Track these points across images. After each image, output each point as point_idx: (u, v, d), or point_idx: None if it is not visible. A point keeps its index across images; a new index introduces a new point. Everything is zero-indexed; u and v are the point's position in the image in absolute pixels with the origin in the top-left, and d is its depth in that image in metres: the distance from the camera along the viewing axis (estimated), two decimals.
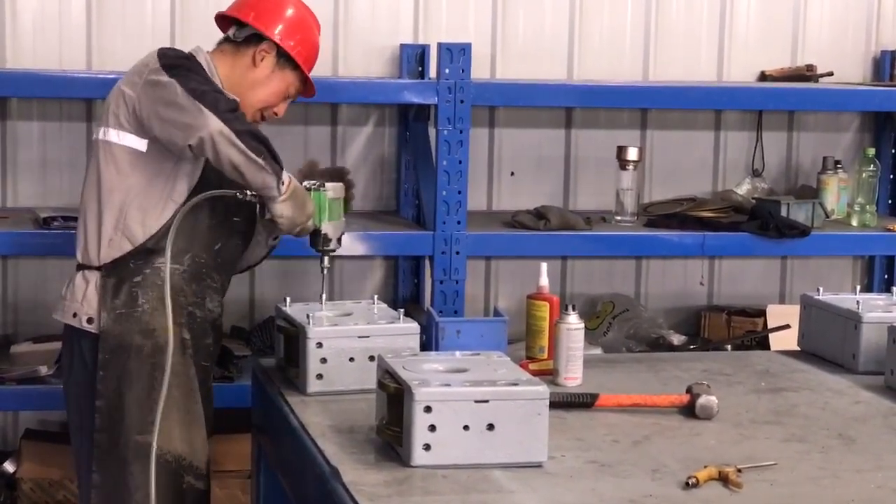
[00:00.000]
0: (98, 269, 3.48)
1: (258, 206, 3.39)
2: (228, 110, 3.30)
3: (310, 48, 3.68)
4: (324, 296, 3.50)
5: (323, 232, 3.51)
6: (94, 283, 3.48)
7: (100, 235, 3.47)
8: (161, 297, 3.40)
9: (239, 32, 3.63)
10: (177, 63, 3.41)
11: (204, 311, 3.55)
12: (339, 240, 3.56)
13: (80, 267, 3.53)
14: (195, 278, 3.52)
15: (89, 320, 3.48)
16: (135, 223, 3.45)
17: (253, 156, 3.28)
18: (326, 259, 3.56)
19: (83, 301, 3.49)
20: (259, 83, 3.61)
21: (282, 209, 3.37)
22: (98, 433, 3.46)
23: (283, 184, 3.34)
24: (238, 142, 3.27)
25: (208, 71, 3.54)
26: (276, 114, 3.70)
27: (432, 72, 4.68)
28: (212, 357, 3.64)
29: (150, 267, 3.46)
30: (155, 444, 3.31)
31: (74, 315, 3.50)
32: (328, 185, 3.52)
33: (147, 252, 3.45)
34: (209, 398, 3.62)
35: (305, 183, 3.50)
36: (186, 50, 3.60)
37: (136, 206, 3.45)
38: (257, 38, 3.60)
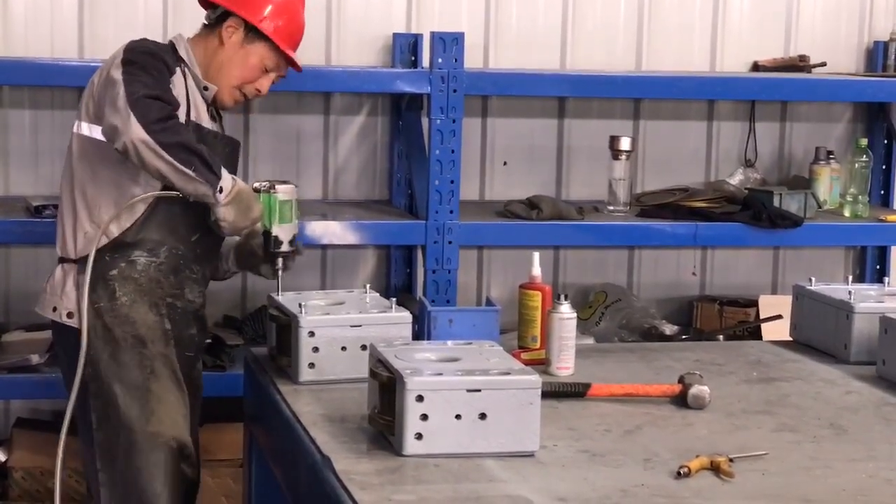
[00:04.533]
0: (76, 262, 3.47)
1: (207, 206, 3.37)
2: (158, 120, 3.24)
3: (283, 19, 3.60)
4: (280, 297, 3.43)
5: (273, 234, 3.47)
6: (73, 278, 3.46)
7: (75, 229, 3.46)
8: (138, 290, 3.41)
9: (212, 14, 3.61)
10: (135, 59, 3.37)
11: (184, 302, 3.53)
12: (291, 242, 3.50)
13: (61, 260, 3.52)
14: (173, 270, 3.50)
15: (69, 315, 3.46)
16: (108, 217, 3.42)
17: (181, 167, 3.24)
18: (280, 261, 3.51)
19: (62, 295, 3.47)
20: (229, 61, 3.57)
21: (224, 213, 3.35)
22: (96, 431, 3.44)
23: (220, 191, 3.30)
24: (164, 153, 3.22)
25: (187, 60, 3.53)
26: (258, 90, 3.64)
27: (425, 61, 4.67)
28: (197, 347, 3.63)
29: (126, 260, 3.44)
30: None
31: (54, 309, 3.49)
32: (279, 186, 3.46)
33: (122, 245, 3.44)
34: (196, 388, 3.61)
35: (255, 184, 3.45)
36: (170, 37, 3.59)
37: (108, 200, 3.43)
38: (228, 15, 3.56)
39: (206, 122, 3.58)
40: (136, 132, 3.21)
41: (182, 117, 3.43)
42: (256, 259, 3.61)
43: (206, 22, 3.65)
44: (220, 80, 3.57)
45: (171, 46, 3.57)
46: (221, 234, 3.45)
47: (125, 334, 3.42)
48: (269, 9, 3.58)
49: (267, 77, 3.64)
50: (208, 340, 4.45)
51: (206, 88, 3.56)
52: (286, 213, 3.47)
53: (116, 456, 3.43)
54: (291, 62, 3.66)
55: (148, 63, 3.38)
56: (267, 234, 3.47)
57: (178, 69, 3.50)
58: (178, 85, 3.48)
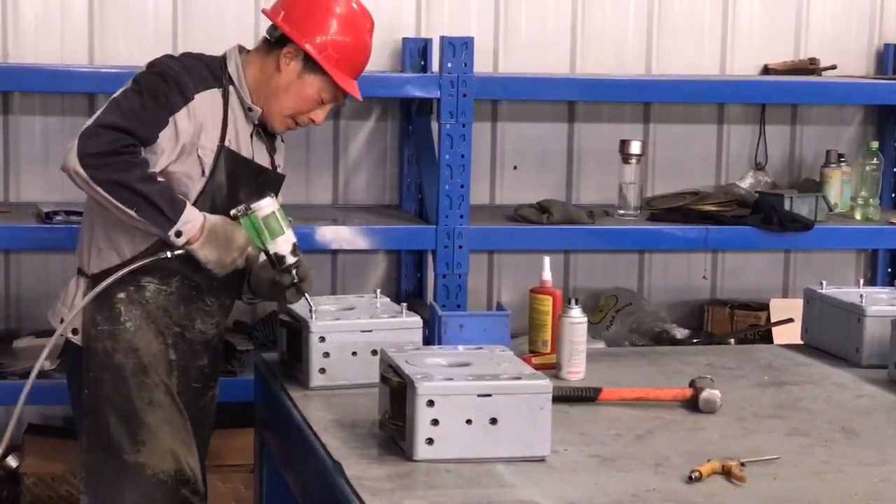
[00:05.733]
0: (88, 277, 3.37)
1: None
2: (98, 154, 3.12)
3: (346, 51, 3.36)
4: (313, 309, 3.28)
5: (272, 252, 3.27)
6: (83, 292, 3.35)
7: (90, 243, 3.37)
8: (145, 316, 3.33)
9: (274, 31, 3.40)
10: (142, 79, 3.26)
11: (194, 333, 3.42)
12: (293, 252, 3.28)
13: (78, 271, 3.43)
14: (184, 300, 3.39)
15: (74, 331, 3.37)
16: (123, 237, 3.31)
17: (122, 206, 3.14)
18: (294, 273, 3.30)
19: (71, 309, 3.35)
20: (284, 89, 3.36)
21: (203, 254, 3.24)
22: (84, 453, 3.36)
23: (179, 235, 3.18)
24: (98, 189, 3.13)
25: (235, 77, 3.36)
26: (312, 120, 3.43)
27: (435, 66, 4.67)
28: (207, 377, 3.50)
29: (135, 284, 3.34)
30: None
31: (62, 321, 3.36)
32: (254, 205, 3.24)
33: (134, 269, 3.29)
34: (202, 419, 3.50)
35: (232, 212, 3.27)
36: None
37: (123, 222, 3.28)
38: (288, 39, 3.33)
39: (245, 146, 3.41)
40: (70, 161, 3.12)
41: (215, 140, 3.31)
42: (276, 288, 3.37)
43: (267, 37, 3.43)
44: (272, 107, 3.38)
45: (222, 61, 3.40)
46: (215, 276, 3.31)
47: (126, 361, 3.32)
48: (330, 36, 3.34)
49: (323, 108, 3.42)
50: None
51: (250, 110, 3.38)
52: (274, 226, 3.25)
53: (102, 481, 3.34)
54: (353, 92, 3.43)
55: (152, 86, 3.24)
56: (267, 255, 3.29)
57: (209, 90, 3.32)
58: (200, 109, 3.29)
